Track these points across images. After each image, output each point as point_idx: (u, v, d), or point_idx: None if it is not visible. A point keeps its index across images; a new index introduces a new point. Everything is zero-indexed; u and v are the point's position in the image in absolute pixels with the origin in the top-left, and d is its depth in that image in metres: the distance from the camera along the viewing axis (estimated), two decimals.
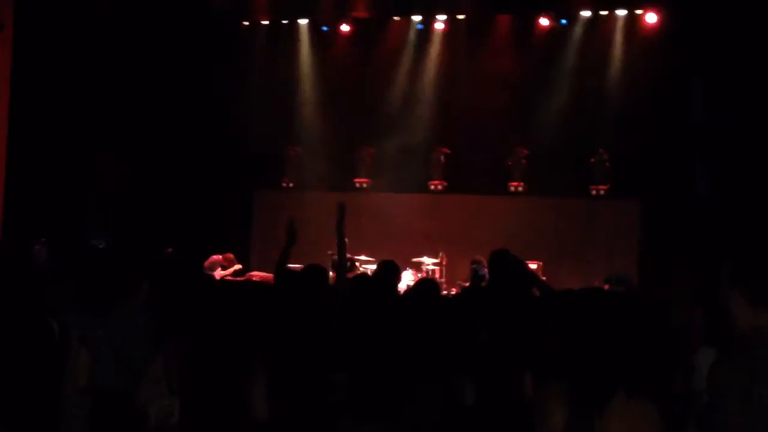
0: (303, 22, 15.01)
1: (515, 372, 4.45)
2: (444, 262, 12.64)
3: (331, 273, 10.76)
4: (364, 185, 14.71)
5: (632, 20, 13.55)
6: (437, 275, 12.35)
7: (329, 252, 11.05)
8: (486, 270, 11.12)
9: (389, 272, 5.69)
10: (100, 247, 8.09)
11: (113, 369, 4.71)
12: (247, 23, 15.24)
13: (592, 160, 13.41)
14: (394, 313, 4.93)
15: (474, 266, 11.15)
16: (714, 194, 12.02)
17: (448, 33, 14.50)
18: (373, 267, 11.87)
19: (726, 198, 11.71)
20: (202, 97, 14.24)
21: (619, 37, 13.52)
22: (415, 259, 12.50)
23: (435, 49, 14.51)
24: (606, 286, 9.02)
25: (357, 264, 11.90)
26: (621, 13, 13.56)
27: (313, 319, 4.63)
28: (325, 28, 15.01)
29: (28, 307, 4.50)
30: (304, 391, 4.37)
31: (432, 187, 14.33)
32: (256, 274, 11.59)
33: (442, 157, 14.25)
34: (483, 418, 4.71)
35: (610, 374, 3.06)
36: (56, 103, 12.97)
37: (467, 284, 10.27)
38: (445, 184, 14.27)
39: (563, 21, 13.86)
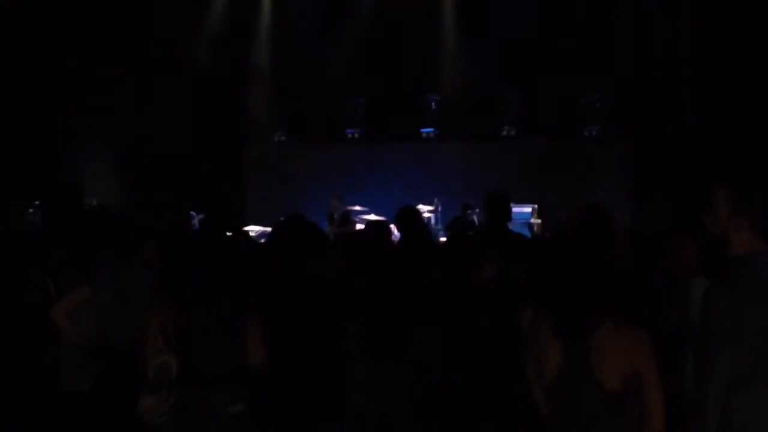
0: None
1: (517, 309, 4.48)
2: (439, 209, 12.65)
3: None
4: (356, 136, 14.64)
5: None
6: (433, 222, 12.36)
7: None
8: (475, 217, 11.15)
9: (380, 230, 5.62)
10: (93, 204, 8.10)
11: (118, 322, 4.70)
12: None
13: (582, 101, 13.37)
14: (392, 258, 4.94)
15: (468, 211, 11.14)
16: (704, 127, 12.04)
17: None
18: (370, 217, 11.91)
19: (715, 130, 11.72)
20: (191, 49, 14.12)
21: None
22: None
23: None
24: None
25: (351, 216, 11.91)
26: None
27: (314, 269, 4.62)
28: None
29: (24, 266, 4.53)
30: (305, 339, 4.37)
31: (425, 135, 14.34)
32: (252, 229, 11.60)
33: (433, 103, 14.19)
34: (483, 358, 4.75)
35: (592, 305, 3.03)
36: (47, 59, 12.74)
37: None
38: None
39: None
